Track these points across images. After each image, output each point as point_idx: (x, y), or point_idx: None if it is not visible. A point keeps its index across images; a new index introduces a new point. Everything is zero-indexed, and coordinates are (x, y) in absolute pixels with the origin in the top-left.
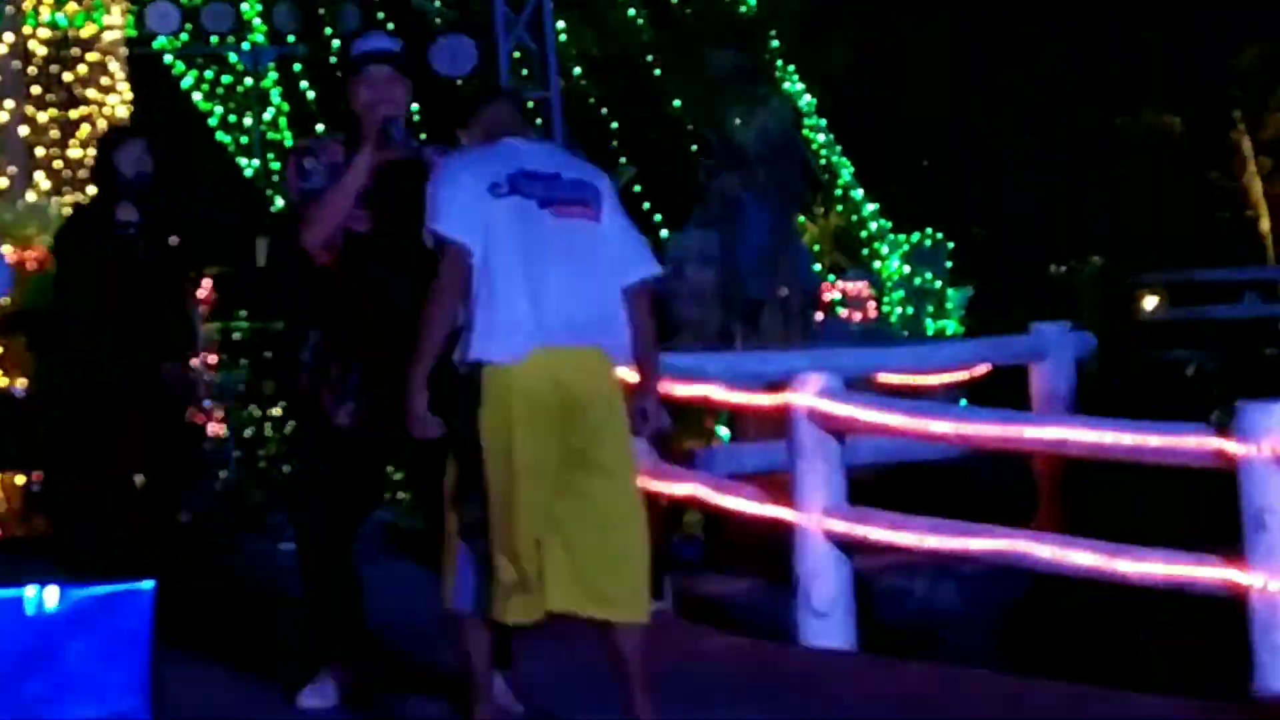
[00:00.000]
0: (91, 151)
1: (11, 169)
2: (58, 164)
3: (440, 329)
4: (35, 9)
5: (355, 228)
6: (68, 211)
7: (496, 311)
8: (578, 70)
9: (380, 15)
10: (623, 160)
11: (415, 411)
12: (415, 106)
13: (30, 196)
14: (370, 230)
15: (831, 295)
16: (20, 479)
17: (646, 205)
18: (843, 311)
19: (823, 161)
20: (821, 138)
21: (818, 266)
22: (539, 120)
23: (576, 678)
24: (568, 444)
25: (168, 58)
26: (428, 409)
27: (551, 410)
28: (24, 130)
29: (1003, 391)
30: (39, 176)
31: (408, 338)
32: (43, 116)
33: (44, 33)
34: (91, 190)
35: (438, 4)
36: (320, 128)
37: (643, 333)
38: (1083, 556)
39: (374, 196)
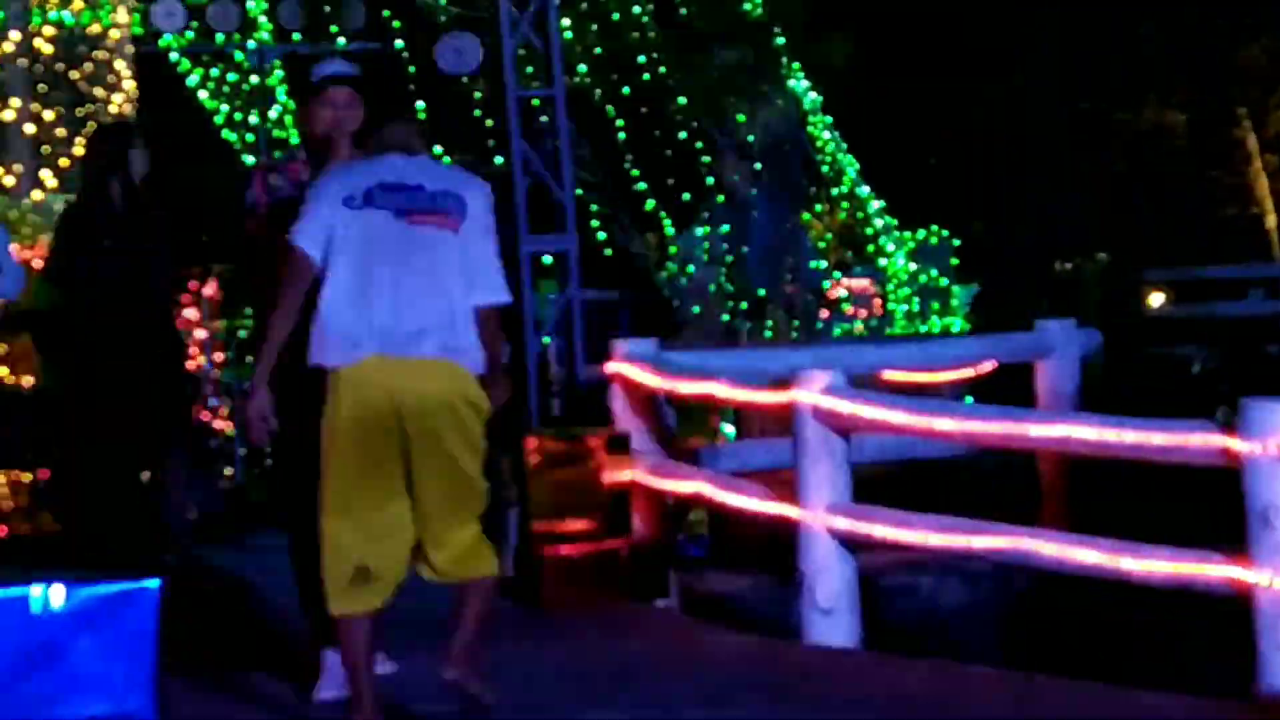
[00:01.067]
0: None
1: (18, 167)
2: (64, 162)
3: (279, 331)
4: (42, 6)
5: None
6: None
7: (331, 319)
8: (583, 68)
9: (385, 13)
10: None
11: (249, 413)
12: (421, 105)
13: (36, 194)
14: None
15: (837, 293)
16: (27, 477)
17: (651, 203)
18: (848, 309)
19: (827, 159)
20: (826, 135)
21: (823, 264)
22: (544, 118)
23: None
24: (404, 448)
25: (174, 55)
26: (267, 411)
27: (384, 416)
28: (30, 128)
29: (1008, 389)
30: (45, 174)
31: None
32: (49, 114)
33: (50, 30)
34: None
35: (443, 1)
36: None
37: (490, 353)
38: (1087, 554)
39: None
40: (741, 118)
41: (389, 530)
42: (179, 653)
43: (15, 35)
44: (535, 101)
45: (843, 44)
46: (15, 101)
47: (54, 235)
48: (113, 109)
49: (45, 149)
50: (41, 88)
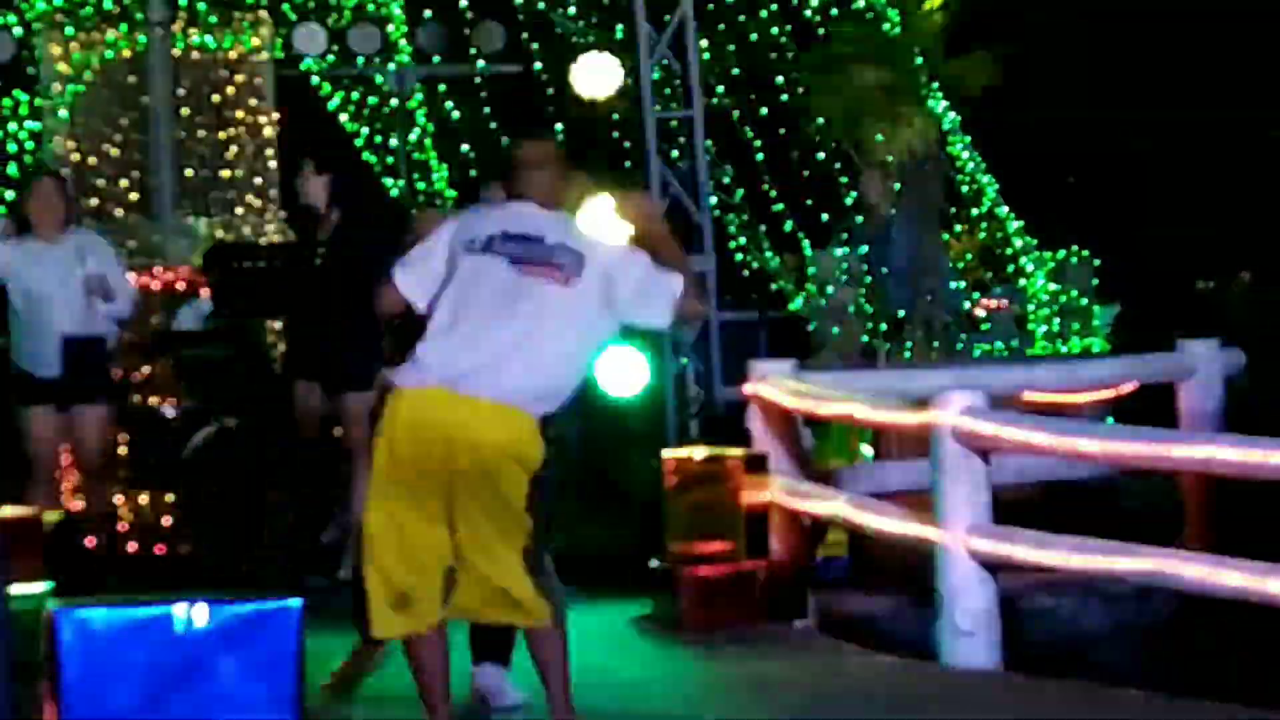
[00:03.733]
0: (239, 173)
1: (161, 190)
2: (207, 184)
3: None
4: (184, 31)
5: None
6: (218, 233)
7: (423, 346)
8: (720, 89)
9: (524, 35)
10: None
11: None
12: (559, 126)
13: (179, 216)
14: None
15: (976, 313)
16: (169, 497)
17: (790, 224)
18: (987, 328)
19: (967, 178)
20: (965, 155)
21: (962, 284)
22: (681, 139)
23: None
24: (448, 481)
25: (314, 79)
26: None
27: (434, 445)
28: (173, 152)
29: (1149, 410)
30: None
31: None
32: (192, 138)
33: (193, 55)
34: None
35: (581, 24)
36: (465, 147)
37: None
38: (1232, 576)
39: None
40: (880, 138)
41: (429, 558)
42: (322, 673)
43: (159, 59)
44: (674, 123)
45: (981, 65)
46: (159, 125)
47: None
48: (254, 133)
49: (188, 172)
50: (184, 111)
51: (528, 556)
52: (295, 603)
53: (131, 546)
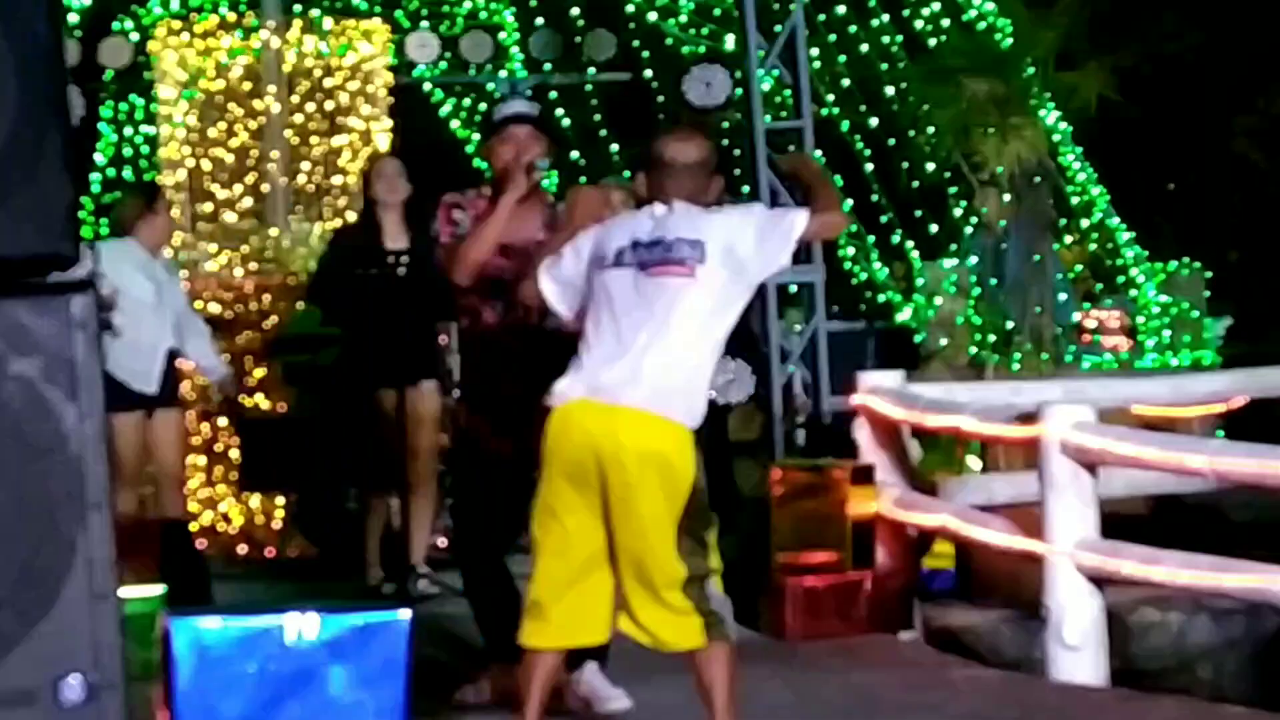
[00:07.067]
0: (353, 179)
1: (276, 197)
2: (320, 190)
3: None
4: (299, 39)
5: (504, 277)
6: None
7: (573, 365)
8: (830, 99)
9: (634, 43)
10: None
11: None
12: None
13: (292, 222)
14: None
15: (1086, 324)
16: (280, 500)
17: (898, 235)
18: (1102, 340)
19: (1078, 189)
20: (1076, 165)
21: (1072, 295)
22: (790, 149)
23: None
24: (602, 496)
25: (427, 86)
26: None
27: (583, 461)
28: (287, 158)
29: (1261, 424)
30: (298, 205)
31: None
32: (305, 145)
33: (307, 62)
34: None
35: (692, 33)
36: (575, 154)
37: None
38: None
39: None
40: (990, 149)
41: (575, 577)
42: (422, 683)
43: (272, 66)
44: (783, 133)
45: (1095, 77)
46: (272, 131)
47: (320, 259)
48: (368, 139)
49: (300, 179)
50: (298, 119)
51: (684, 579)
52: (405, 614)
53: (241, 549)
